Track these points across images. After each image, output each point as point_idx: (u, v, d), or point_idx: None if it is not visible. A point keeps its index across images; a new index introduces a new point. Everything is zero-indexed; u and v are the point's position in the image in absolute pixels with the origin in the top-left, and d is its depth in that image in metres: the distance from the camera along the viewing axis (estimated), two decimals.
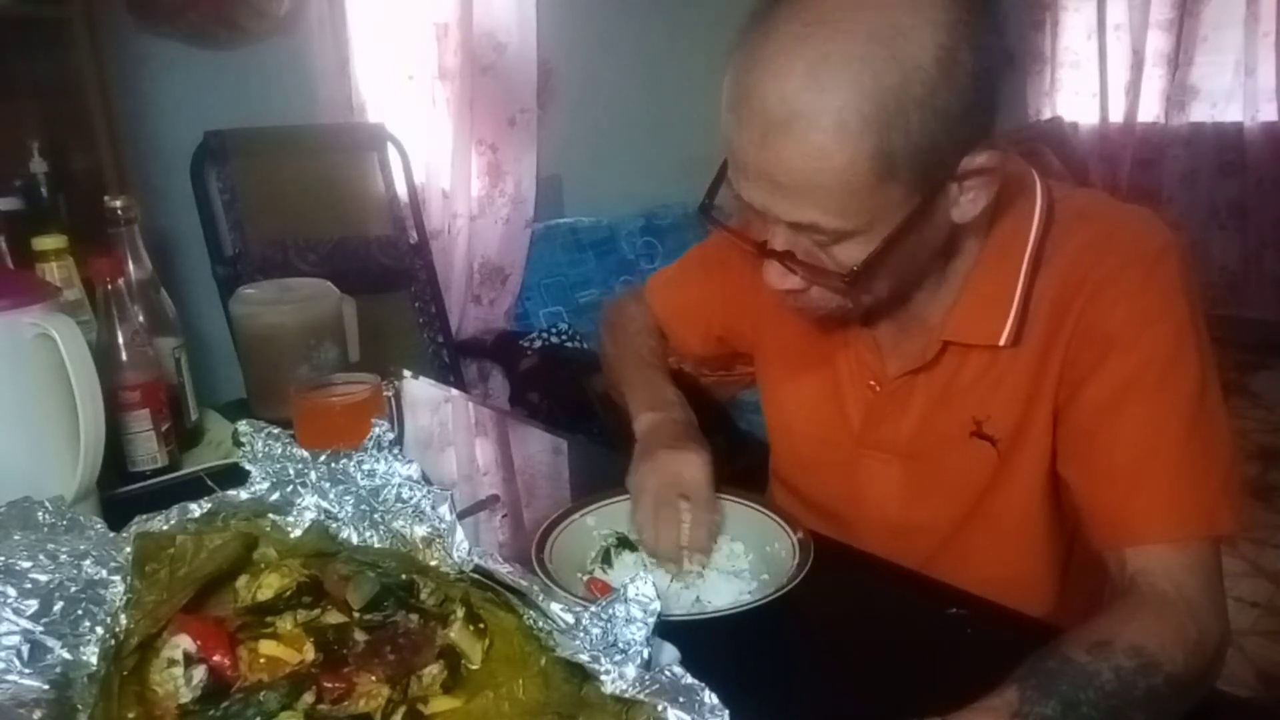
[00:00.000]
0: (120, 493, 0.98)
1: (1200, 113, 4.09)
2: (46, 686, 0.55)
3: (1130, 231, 0.79)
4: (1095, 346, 0.77)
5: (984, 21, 0.68)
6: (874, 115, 0.64)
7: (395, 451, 0.70)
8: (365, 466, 0.70)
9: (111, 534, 0.66)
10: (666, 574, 0.83)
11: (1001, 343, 0.80)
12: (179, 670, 0.56)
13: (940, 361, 0.85)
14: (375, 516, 0.69)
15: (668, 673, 0.51)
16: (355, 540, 0.69)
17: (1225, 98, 4.01)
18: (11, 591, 0.57)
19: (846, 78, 0.64)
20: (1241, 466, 0.78)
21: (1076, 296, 0.78)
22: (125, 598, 0.60)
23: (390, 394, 1.12)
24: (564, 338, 2.82)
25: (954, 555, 0.90)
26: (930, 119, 0.65)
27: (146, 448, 1.04)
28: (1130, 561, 0.73)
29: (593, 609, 0.56)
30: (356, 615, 0.62)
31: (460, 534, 0.63)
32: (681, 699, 0.49)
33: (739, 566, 0.84)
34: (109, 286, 1.00)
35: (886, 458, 0.91)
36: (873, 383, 0.91)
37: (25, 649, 0.56)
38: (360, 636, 0.60)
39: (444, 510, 0.65)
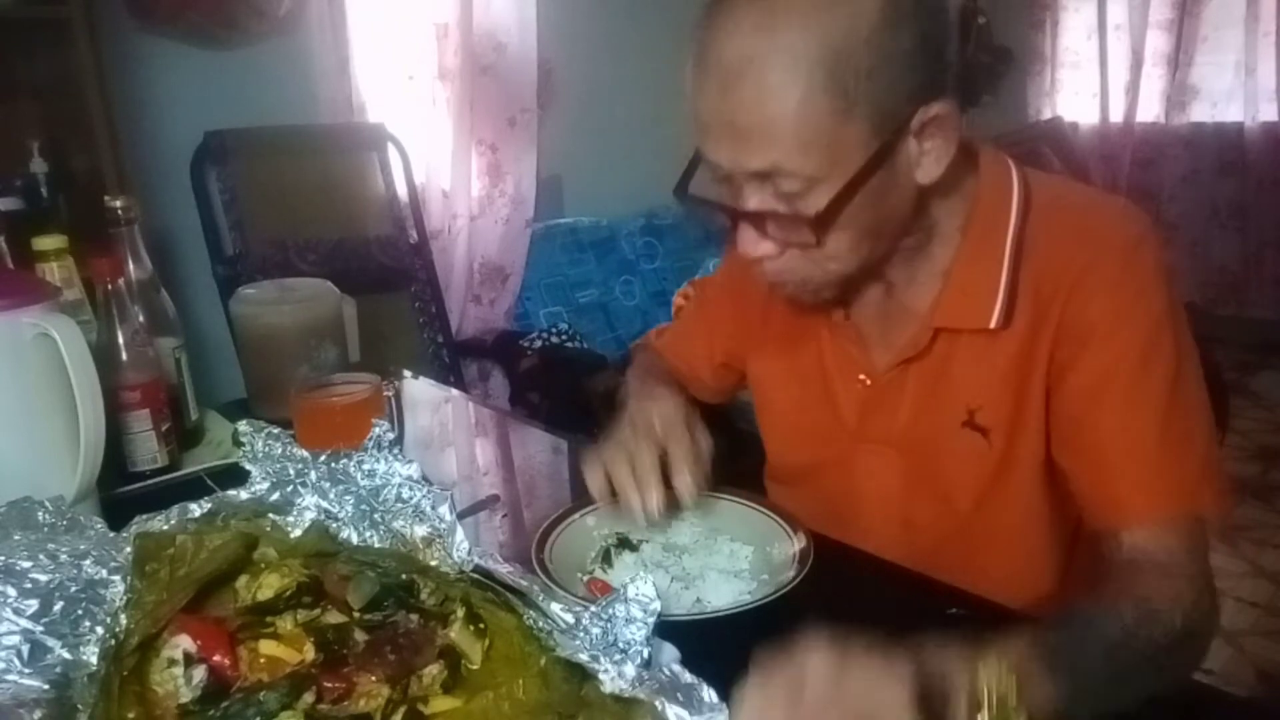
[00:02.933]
0: (120, 493, 0.98)
1: (1200, 113, 4.09)
2: (46, 686, 0.55)
3: (1107, 220, 0.82)
4: (1078, 335, 0.79)
5: None
6: (825, 54, 0.69)
7: (395, 451, 0.70)
8: (365, 466, 0.70)
9: (111, 534, 0.66)
10: (667, 574, 0.83)
11: (992, 325, 0.82)
12: (179, 670, 0.56)
13: (932, 350, 0.86)
14: (375, 516, 0.69)
15: (667, 670, 0.51)
16: (355, 540, 0.69)
17: (1225, 98, 4.01)
18: (11, 591, 0.57)
19: (796, 21, 0.69)
20: (1218, 448, 0.81)
21: (1060, 286, 0.80)
22: (125, 598, 0.60)
23: (390, 394, 1.12)
24: (564, 338, 2.82)
25: (957, 553, 0.90)
26: (880, 61, 0.69)
27: (146, 448, 1.04)
28: (1125, 541, 0.77)
29: (593, 609, 0.56)
30: (356, 615, 0.62)
31: (460, 534, 0.63)
32: (681, 696, 0.49)
33: (739, 566, 0.84)
34: (109, 286, 1.00)
35: (883, 451, 0.91)
36: (863, 376, 0.91)
37: (25, 649, 0.56)
38: (360, 636, 0.60)
39: (444, 510, 0.65)
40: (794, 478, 1.04)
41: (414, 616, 0.62)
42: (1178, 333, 0.79)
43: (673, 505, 0.90)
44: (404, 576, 0.64)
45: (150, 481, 1.04)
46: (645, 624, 0.55)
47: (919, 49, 0.71)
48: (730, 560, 0.85)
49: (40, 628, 0.57)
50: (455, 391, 1.54)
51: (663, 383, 1.01)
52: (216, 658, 0.58)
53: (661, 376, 1.05)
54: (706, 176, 0.81)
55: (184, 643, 0.57)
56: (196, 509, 0.69)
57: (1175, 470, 0.77)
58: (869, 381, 0.91)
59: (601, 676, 0.52)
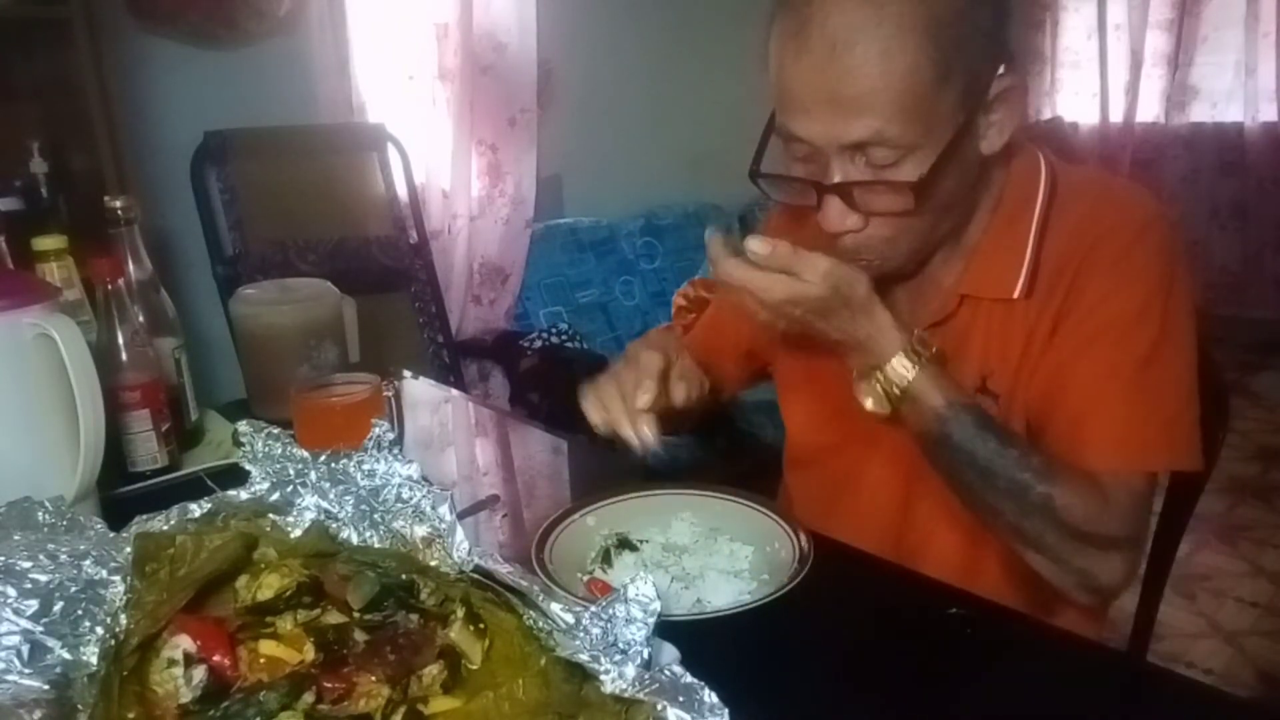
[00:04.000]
0: (120, 493, 0.98)
1: (1200, 113, 4.09)
2: (46, 686, 0.55)
3: (1121, 202, 0.87)
4: (1077, 305, 0.84)
5: None
6: (930, 23, 0.72)
7: (395, 451, 0.70)
8: (365, 466, 0.70)
9: (111, 534, 0.66)
10: (667, 574, 0.83)
11: (1015, 294, 0.86)
12: (179, 670, 0.56)
13: (956, 315, 0.90)
14: (375, 516, 0.69)
15: (667, 672, 0.51)
16: (355, 540, 0.69)
17: (1225, 98, 4.01)
18: (11, 591, 0.57)
19: None
20: (1192, 417, 0.85)
21: (1071, 261, 0.84)
22: (125, 598, 0.60)
23: (390, 394, 1.12)
24: (564, 338, 2.82)
25: (962, 526, 0.91)
26: (971, 31, 0.74)
27: (146, 448, 1.03)
28: (1100, 481, 0.81)
29: (593, 609, 0.56)
30: (356, 615, 0.62)
31: (460, 534, 0.63)
32: (681, 698, 0.49)
33: (739, 566, 0.84)
34: (109, 286, 1.00)
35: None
36: None
37: (25, 649, 0.56)
38: (360, 636, 0.60)
39: (444, 510, 0.65)
40: (815, 459, 1.06)
41: (414, 616, 0.62)
42: (1171, 309, 0.82)
43: (672, 506, 0.91)
44: (404, 576, 0.64)
45: (150, 481, 1.04)
46: (645, 624, 0.55)
47: (996, 21, 0.75)
48: (730, 560, 0.85)
49: (40, 628, 0.57)
50: (455, 391, 1.54)
51: (659, 336, 1.04)
52: (216, 658, 0.58)
53: (661, 335, 1.08)
54: (776, 156, 0.83)
55: (184, 643, 0.57)
56: (196, 509, 0.69)
57: (1137, 431, 0.82)
58: None
59: (602, 677, 0.52)
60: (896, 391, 0.81)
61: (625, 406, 0.89)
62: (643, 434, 0.88)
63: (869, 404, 0.83)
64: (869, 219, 0.80)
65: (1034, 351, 0.86)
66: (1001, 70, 0.77)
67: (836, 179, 0.78)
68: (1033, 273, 0.86)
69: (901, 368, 0.80)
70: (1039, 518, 0.79)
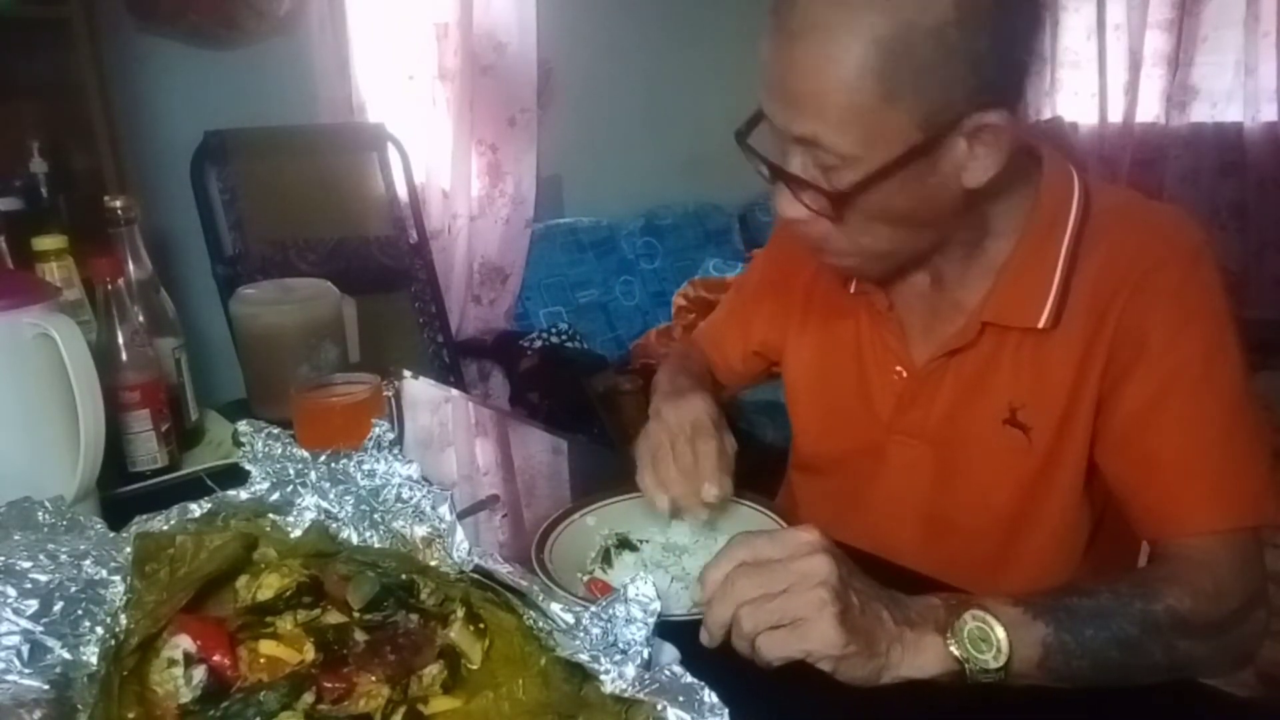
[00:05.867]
0: (120, 493, 0.98)
1: (1200, 113, 4.08)
2: (46, 686, 0.55)
3: (1168, 230, 0.81)
4: (1137, 342, 0.78)
5: None
6: (886, 36, 0.68)
7: (395, 451, 0.70)
8: (365, 466, 0.70)
9: (111, 534, 0.66)
10: (667, 574, 0.83)
11: (1041, 325, 0.81)
12: (179, 670, 0.56)
13: (978, 344, 0.86)
14: (375, 516, 0.69)
15: (667, 672, 0.51)
16: (355, 540, 0.69)
17: (1225, 98, 4.00)
18: (11, 591, 0.57)
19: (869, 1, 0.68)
20: (1274, 458, 0.79)
21: (1119, 292, 0.79)
22: (125, 598, 0.60)
23: (390, 394, 1.12)
24: (564, 338, 2.82)
25: (985, 550, 0.90)
26: (941, 58, 0.68)
27: (146, 448, 1.03)
28: (1175, 548, 0.76)
29: (593, 609, 0.56)
30: (356, 615, 0.62)
31: (460, 534, 0.63)
32: (681, 698, 0.49)
33: None
34: (109, 286, 1.00)
35: (915, 444, 0.91)
36: (899, 369, 0.92)
37: (25, 649, 0.56)
38: (360, 636, 0.60)
39: (444, 510, 0.65)
40: (821, 468, 1.04)
41: (414, 616, 0.62)
42: (1237, 342, 0.79)
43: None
44: (404, 576, 0.64)
45: (150, 481, 1.04)
46: (645, 624, 0.55)
47: (986, 54, 0.69)
48: None
49: (40, 628, 0.57)
50: (455, 391, 1.54)
51: (692, 384, 1.00)
52: (216, 658, 0.58)
53: (691, 377, 1.05)
54: (766, 129, 0.80)
55: (184, 643, 0.57)
56: (196, 509, 0.69)
57: (1239, 480, 0.76)
58: (905, 374, 0.91)
59: (602, 677, 0.52)
60: (1003, 638, 0.66)
61: (690, 487, 0.86)
62: (707, 509, 0.86)
63: (988, 659, 0.66)
64: (815, 216, 0.78)
65: (1085, 389, 0.81)
66: (988, 108, 0.71)
67: (791, 166, 0.77)
68: (1060, 301, 0.81)
69: (983, 614, 0.67)
70: (1177, 639, 0.70)
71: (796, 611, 0.64)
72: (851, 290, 0.95)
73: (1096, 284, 0.80)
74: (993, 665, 0.65)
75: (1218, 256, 0.80)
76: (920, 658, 0.66)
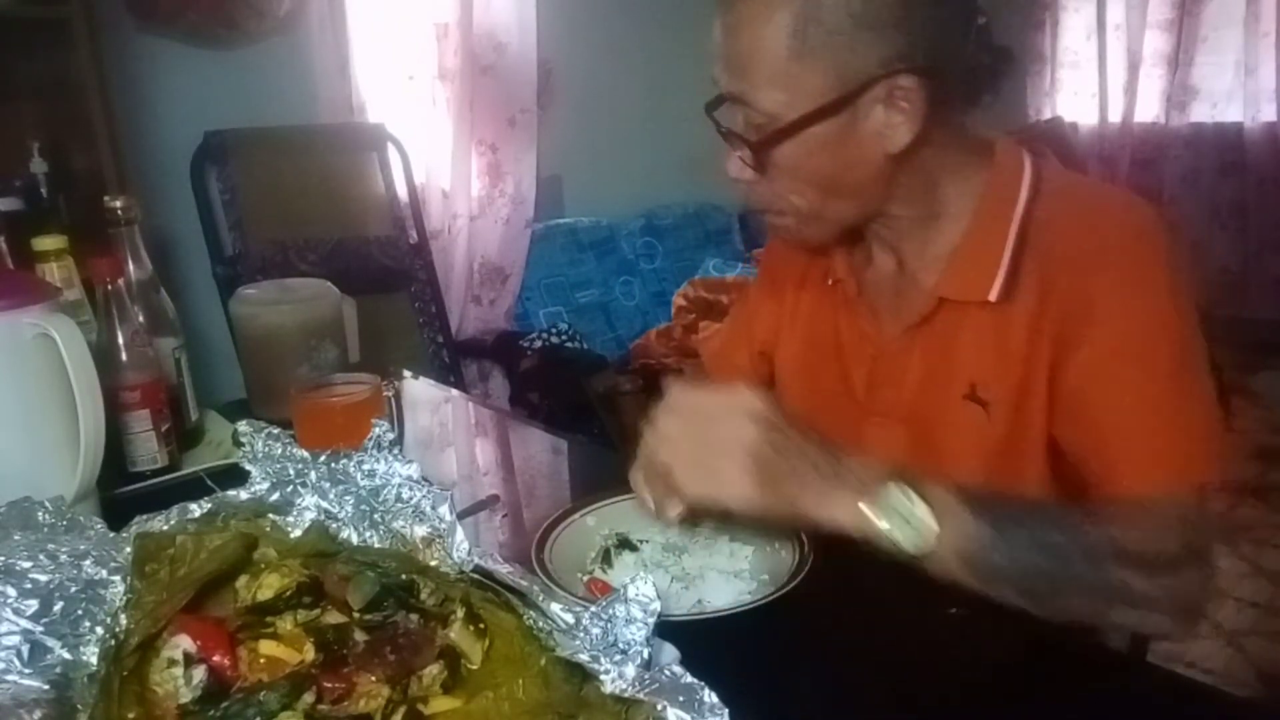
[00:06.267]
0: (120, 493, 0.98)
1: (1200, 113, 4.09)
2: (46, 686, 0.55)
3: (1117, 208, 0.86)
4: (1084, 314, 0.81)
5: None
6: (801, 2, 0.76)
7: (395, 451, 0.70)
8: (365, 466, 0.70)
9: (111, 534, 0.66)
10: (667, 574, 0.83)
11: (992, 298, 0.84)
12: (179, 670, 0.56)
13: (937, 319, 0.89)
14: (375, 516, 0.69)
15: (667, 672, 0.51)
16: (355, 540, 0.69)
17: (1225, 98, 4.01)
18: (11, 591, 0.57)
19: None
20: (1220, 423, 0.83)
21: (1065, 265, 0.83)
22: (125, 598, 0.60)
23: (390, 394, 1.12)
24: (564, 338, 2.82)
25: None
26: (849, 22, 0.76)
27: (146, 448, 1.03)
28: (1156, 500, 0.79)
29: (593, 609, 0.56)
30: (356, 615, 0.62)
31: (460, 534, 0.63)
32: (681, 698, 0.49)
33: (739, 566, 0.84)
34: (109, 286, 1.00)
35: (889, 423, 0.94)
36: (873, 350, 0.95)
37: (25, 649, 0.56)
38: (360, 636, 0.60)
39: (444, 510, 0.65)
40: None
41: (414, 616, 0.62)
42: (1182, 314, 0.81)
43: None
44: (404, 576, 0.64)
45: (150, 481, 1.04)
46: (645, 624, 0.55)
47: (896, 22, 0.76)
48: (730, 560, 0.84)
49: (40, 628, 0.57)
50: (455, 391, 1.54)
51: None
52: (216, 658, 0.58)
53: None
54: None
55: (184, 643, 0.57)
56: (196, 509, 0.69)
57: (1177, 447, 0.80)
58: (877, 354, 0.95)
59: (602, 677, 0.52)
60: (928, 518, 0.70)
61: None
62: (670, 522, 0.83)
63: (898, 537, 0.70)
64: (765, 180, 0.85)
65: (1037, 362, 0.84)
66: (900, 73, 0.77)
67: (730, 125, 0.85)
68: (1012, 276, 0.84)
69: (905, 487, 0.70)
70: (1114, 565, 0.73)
71: (713, 451, 0.71)
72: (830, 283, 1.00)
73: (1046, 259, 0.83)
74: (909, 543, 0.69)
75: (1167, 234, 0.83)
76: (831, 511, 0.71)
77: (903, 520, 0.68)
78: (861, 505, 0.69)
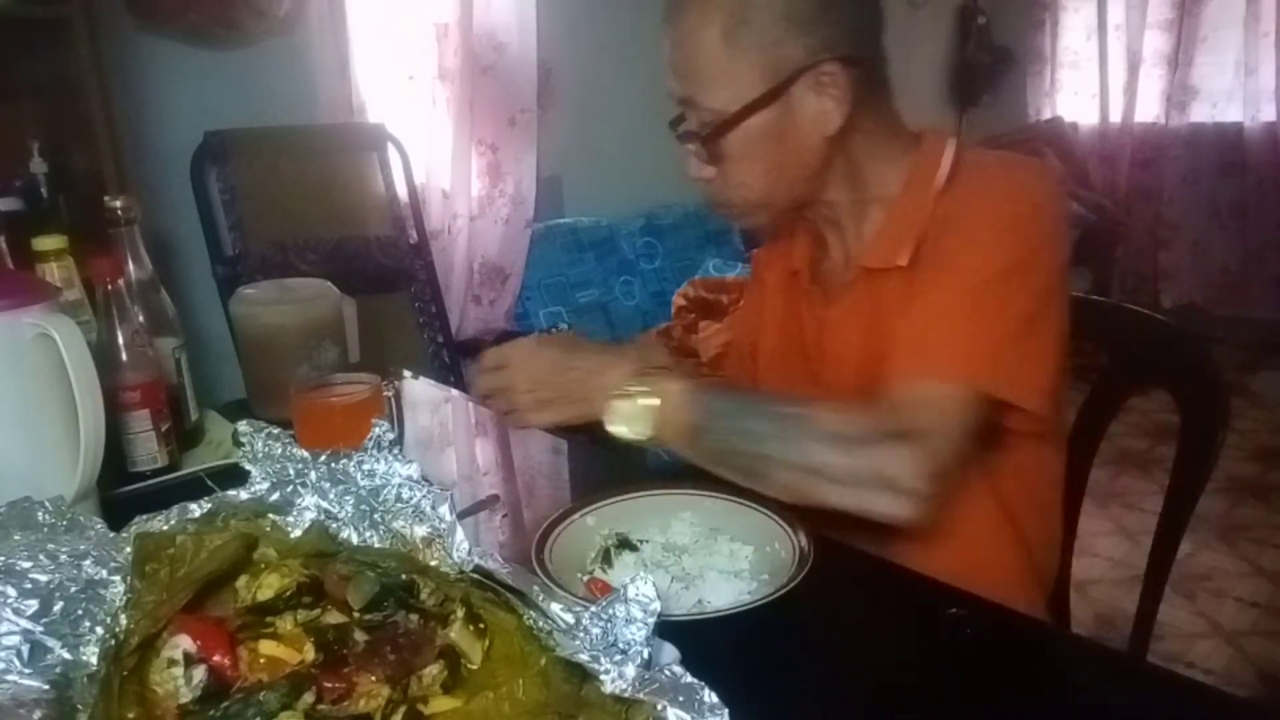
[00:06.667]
0: (120, 493, 0.98)
1: (1200, 113, 4.09)
2: (46, 686, 0.55)
3: (997, 175, 0.94)
4: (937, 264, 0.89)
5: None
6: (729, 6, 0.86)
7: (395, 451, 0.70)
8: (365, 466, 0.70)
9: (111, 534, 0.66)
10: (667, 574, 0.83)
11: (902, 262, 0.91)
12: (179, 670, 0.56)
13: (864, 290, 0.96)
14: (375, 516, 0.69)
15: (667, 672, 0.51)
16: (355, 540, 0.69)
17: (1225, 98, 4.01)
18: (11, 591, 0.57)
19: None
20: (1028, 354, 0.87)
21: (943, 228, 0.90)
22: (125, 598, 0.60)
23: (390, 394, 1.12)
24: None
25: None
26: (773, 19, 0.86)
27: (146, 448, 1.04)
28: (893, 392, 0.86)
29: (593, 609, 0.56)
30: (356, 615, 0.62)
31: (460, 534, 0.63)
32: (681, 698, 0.49)
33: (739, 566, 0.84)
34: (109, 286, 1.00)
35: (844, 396, 0.97)
36: (825, 332, 1.03)
37: (25, 649, 0.56)
38: (360, 636, 0.60)
39: (444, 510, 0.65)
40: None
41: (414, 616, 0.62)
42: (1028, 257, 0.86)
43: (672, 506, 0.91)
44: (404, 576, 0.64)
45: (150, 481, 1.04)
46: (645, 624, 0.55)
47: (816, 16, 0.86)
48: (730, 560, 0.85)
49: (40, 628, 0.57)
50: (455, 391, 1.54)
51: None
52: (216, 658, 0.58)
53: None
54: None
55: (184, 643, 0.57)
56: (196, 509, 0.69)
57: (942, 340, 0.85)
58: (826, 334, 1.02)
59: (602, 677, 0.52)
60: (643, 403, 0.88)
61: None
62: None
63: (623, 430, 0.90)
64: (718, 174, 0.94)
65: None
66: (824, 62, 0.87)
67: (684, 126, 0.94)
68: (920, 242, 0.91)
69: (644, 385, 0.89)
70: (810, 443, 0.82)
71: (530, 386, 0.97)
72: (792, 277, 1.09)
73: (942, 225, 0.91)
74: (642, 435, 0.89)
75: (1042, 204, 0.90)
76: (601, 415, 0.91)
77: (638, 421, 0.88)
78: (608, 422, 0.90)
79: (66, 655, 0.57)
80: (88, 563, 0.61)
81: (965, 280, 0.86)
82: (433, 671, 0.58)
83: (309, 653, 0.59)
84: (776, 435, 0.83)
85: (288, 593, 0.62)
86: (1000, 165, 0.96)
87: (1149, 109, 4.18)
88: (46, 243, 1.04)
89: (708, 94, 0.89)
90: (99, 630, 0.59)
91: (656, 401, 0.87)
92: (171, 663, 0.56)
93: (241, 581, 0.64)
